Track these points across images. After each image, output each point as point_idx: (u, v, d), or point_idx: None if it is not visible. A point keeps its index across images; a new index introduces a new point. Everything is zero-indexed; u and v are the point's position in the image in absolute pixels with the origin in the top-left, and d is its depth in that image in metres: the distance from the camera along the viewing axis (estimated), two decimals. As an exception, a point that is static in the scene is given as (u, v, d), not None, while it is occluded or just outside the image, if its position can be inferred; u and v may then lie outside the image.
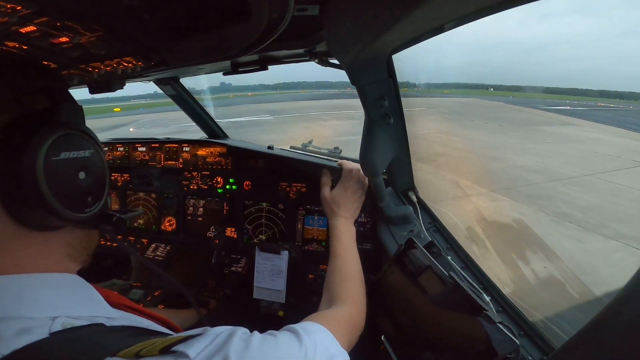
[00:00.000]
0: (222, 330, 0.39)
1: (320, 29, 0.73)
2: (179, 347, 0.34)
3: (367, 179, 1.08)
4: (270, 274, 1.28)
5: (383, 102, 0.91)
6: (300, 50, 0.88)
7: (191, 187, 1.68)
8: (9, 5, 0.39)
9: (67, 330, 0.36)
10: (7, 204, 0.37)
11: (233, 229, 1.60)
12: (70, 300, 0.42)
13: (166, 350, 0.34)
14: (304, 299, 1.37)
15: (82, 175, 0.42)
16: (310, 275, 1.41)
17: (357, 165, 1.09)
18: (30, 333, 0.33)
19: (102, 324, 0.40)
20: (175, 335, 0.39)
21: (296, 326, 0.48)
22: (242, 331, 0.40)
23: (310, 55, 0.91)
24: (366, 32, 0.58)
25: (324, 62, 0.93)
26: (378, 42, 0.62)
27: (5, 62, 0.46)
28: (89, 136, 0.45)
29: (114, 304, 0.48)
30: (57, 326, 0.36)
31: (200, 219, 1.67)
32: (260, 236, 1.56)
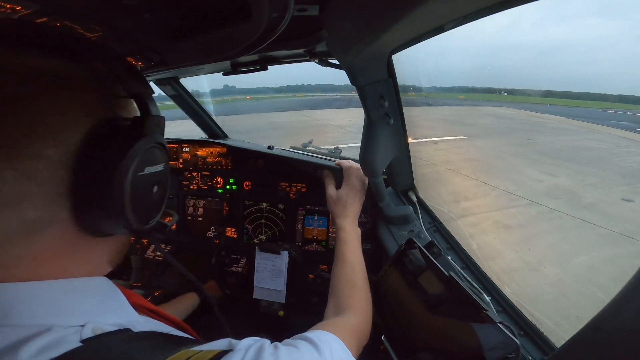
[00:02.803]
0: (250, 343, 0.39)
1: (320, 29, 0.73)
2: None
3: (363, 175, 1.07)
4: (270, 274, 1.28)
5: (383, 102, 0.91)
6: (300, 50, 0.88)
7: (191, 187, 1.68)
8: (8, 6, 0.39)
9: (97, 336, 0.35)
10: (77, 207, 0.36)
11: (233, 229, 1.60)
12: (100, 305, 0.41)
13: None
14: (304, 299, 1.37)
15: (155, 189, 0.42)
16: (310, 275, 1.41)
17: (356, 163, 1.08)
18: (62, 342, 0.33)
19: (129, 329, 0.39)
20: (205, 349, 0.38)
21: (311, 335, 0.48)
22: (268, 344, 0.40)
23: (310, 55, 0.91)
24: (366, 32, 0.58)
25: (324, 62, 0.93)
26: (378, 42, 0.62)
27: (94, 55, 0.43)
28: (165, 150, 0.44)
29: (135, 306, 0.48)
30: (88, 332, 0.35)
31: (200, 219, 1.67)
32: (260, 236, 1.56)
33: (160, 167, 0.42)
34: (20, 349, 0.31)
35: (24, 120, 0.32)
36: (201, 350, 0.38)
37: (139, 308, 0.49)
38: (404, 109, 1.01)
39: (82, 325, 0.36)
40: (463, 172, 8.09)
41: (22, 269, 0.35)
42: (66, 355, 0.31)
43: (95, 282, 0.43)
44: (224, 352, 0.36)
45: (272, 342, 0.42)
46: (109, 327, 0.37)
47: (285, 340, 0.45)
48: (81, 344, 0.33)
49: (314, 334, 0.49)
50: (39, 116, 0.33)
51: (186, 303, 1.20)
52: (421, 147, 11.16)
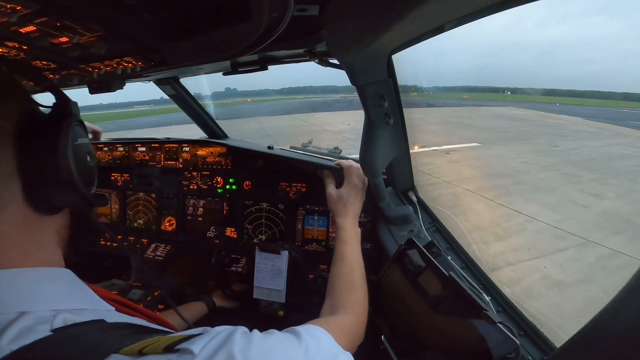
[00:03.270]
0: (222, 329, 0.39)
1: (320, 29, 0.73)
2: (183, 345, 0.34)
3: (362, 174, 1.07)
4: (270, 274, 1.28)
5: (383, 102, 0.91)
6: (300, 50, 0.88)
7: (191, 187, 1.68)
8: (8, 5, 0.39)
9: (68, 326, 0.36)
10: (28, 183, 0.40)
11: (233, 229, 1.60)
12: (72, 295, 0.43)
13: (170, 348, 0.34)
14: (304, 299, 1.37)
15: (88, 158, 0.48)
16: (310, 275, 1.41)
17: (356, 163, 1.08)
18: (32, 331, 0.34)
19: (102, 320, 0.40)
20: (176, 333, 0.39)
21: (298, 328, 0.49)
22: (242, 329, 0.40)
23: (310, 55, 0.91)
24: (366, 32, 0.58)
25: (324, 62, 0.93)
26: (378, 42, 0.62)
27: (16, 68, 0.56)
28: (85, 128, 0.50)
29: (105, 299, 0.49)
30: (59, 322, 0.36)
31: (200, 219, 1.67)
32: (260, 236, 1.56)
33: (86, 140, 0.49)
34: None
35: None
36: (172, 332, 0.39)
37: (108, 301, 0.49)
38: (407, 110, 1.01)
39: (55, 315, 0.37)
40: (486, 195, 6.41)
41: None
42: (37, 343, 0.33)
43: (61, 272, 0.45)
44: (194, 335, 0.37)
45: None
46: (81, 318, 0.38)
47: (269, 330, 0.45)
48: (51, 333, 0.34)
49: (302, 327, 0.50)
50: None
51: (193, 310, 1.22)
52: (430, 157, 9.44)
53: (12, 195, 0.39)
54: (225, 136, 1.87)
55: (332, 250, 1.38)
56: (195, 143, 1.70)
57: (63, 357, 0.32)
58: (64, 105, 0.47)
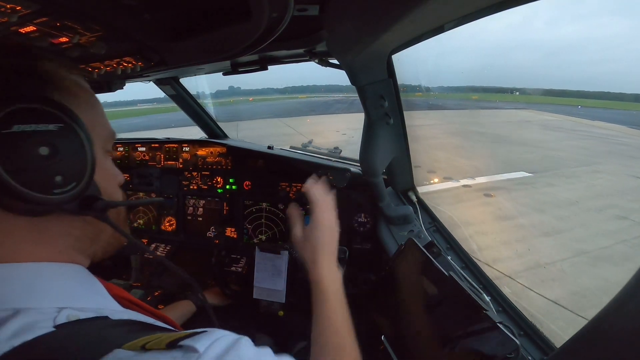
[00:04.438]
0: (227, 332, 0.38)
1: (320, 29, 0.73)
2: (186, 342, 0.33)
3: (332, 196, 0.87)
4: (270, 274, 1.28)
5: (383, 102, 0.91)
6: (300, 50, 0.88)
7: (191, 187, 1.68)
8: (8, 6, 0.39)
9: (71, 322, 0.35)
10: None
11: (233, 229, 1.60)
12: (77, 291, 0.41)
13: (173, 344, 0.33)
14: (304, 299, 1.37)
15: (44, 150, 0.37)
16: (310, 275, 1.41)
17: (320, 188, 0.88)
18: (34, 327, 0.33)
19: (107, 317, 0.39)
20: (180, 331, 0.38)
21: None
22: (247, 339, 0.39)
23: (310, 55, 0.91)
24: (366, 32, 0.58)
25: (324, 62, 0.93)
26: (378, 42, 0.62)
27: None
28: (61, 108, 0.39)
29: (117, 298, 0.48)
30: (62, 318, 0.35)
31: (200, 219, 1.67)
32: (260, 236, 1.56)
33: (46, 127, 0.37)
34: None
35: None
36: (176, 331, 0.37)
37: (120, 300, 0.48)
38: (416, 115, 1.00)
39: (59, 311, 0.36)
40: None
41: None
42: (38, 340, 0.32)
43: (69, 268, 0.42)
44: (197, 333, 0.35)
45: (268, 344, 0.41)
46: (85, 314, 0.37)
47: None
48: (54, 329, 0.34)
49: None
50: None
51: (182, 309, 1.19)
52: (464, 205, 5.68)
53: None
54: (225, 136, 1.87)
55: None
56: (195, 143, 1.70)
57: (65, 352, 0.32)
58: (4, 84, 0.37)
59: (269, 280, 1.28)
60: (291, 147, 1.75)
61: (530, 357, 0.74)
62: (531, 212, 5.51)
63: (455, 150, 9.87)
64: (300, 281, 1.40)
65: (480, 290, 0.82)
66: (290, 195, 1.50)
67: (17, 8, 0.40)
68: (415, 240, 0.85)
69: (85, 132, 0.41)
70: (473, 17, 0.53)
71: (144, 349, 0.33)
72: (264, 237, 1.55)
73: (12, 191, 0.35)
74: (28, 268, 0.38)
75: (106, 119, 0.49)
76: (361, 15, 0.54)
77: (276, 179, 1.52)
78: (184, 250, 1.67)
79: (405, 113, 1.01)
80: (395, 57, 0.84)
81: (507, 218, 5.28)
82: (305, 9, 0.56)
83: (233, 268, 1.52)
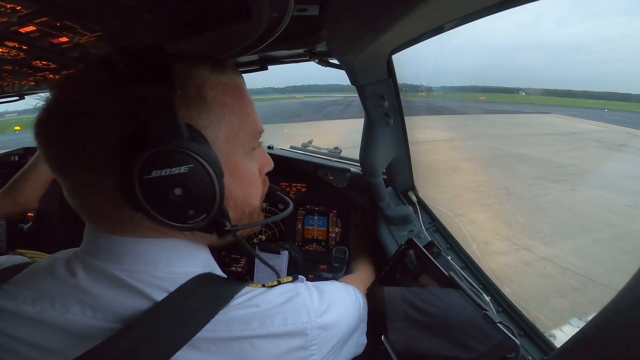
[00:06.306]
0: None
1: (320, 29, 0.73)
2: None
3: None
4: (270, 274, 1.28)
5: (383, 102, 0.91)
6: (300, 50, 0.88)
7: None
8: (8, 6, 0.39)
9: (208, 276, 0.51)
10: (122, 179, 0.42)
11: None
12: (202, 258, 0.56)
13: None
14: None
15: (178, 191, 0.42)
16: (310, 275, 1.41)
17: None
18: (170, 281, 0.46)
19: (215, 275, 0.54)
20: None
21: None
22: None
23: (310, 55, 0.91)
24: (366, 32, 0.58)
25: (324, 62, 0.93)
26: (378, 42, 0.62)
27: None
28: (190, 151, 0.42)
29: None
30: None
31: (200, 219, 1.67)
32: (260, 236, 1.56)
33: (178, 170, 0.41)
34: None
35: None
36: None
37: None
38: (411, 118, 1.00)
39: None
40: None
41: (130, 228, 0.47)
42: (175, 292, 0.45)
43: (204, 248, 0.58)
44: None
45: None
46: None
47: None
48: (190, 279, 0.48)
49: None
50: None
51: None
52: None
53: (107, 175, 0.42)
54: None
55: (332, 250, 1.38)
56: None
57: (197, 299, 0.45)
58: (144, 127, 0.39)
59: (269, 280, 1.28)
60: (291, 147, 1.75)
61: (530, 357, 0.74)
62: None
63: (512, 215, 5.30)
64: (300, 281, 1.40)
65: (480, 290, 0.82)
66: (291, 195, 1.50)
67: (17, 8, 0.40)
68: (415, 240, 0.85)
69: (215, 167, 0.44)
70: (473, 17, 0.53)
71: (264, 286, 0.55)
72: (264, 237, 1.55)
73: (159, 221, 0.43)
74: (164, 242, 0.49)
75: (254, 114, 0.54)
76: (361, 15, 0.54)
77: (276, 179, 1.52)
78: None
79: (407, 118, 1.01)
80: (396, 57, 0.84)
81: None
82: (305, 9, 0.56)
83: (233, 268, 1.52)
